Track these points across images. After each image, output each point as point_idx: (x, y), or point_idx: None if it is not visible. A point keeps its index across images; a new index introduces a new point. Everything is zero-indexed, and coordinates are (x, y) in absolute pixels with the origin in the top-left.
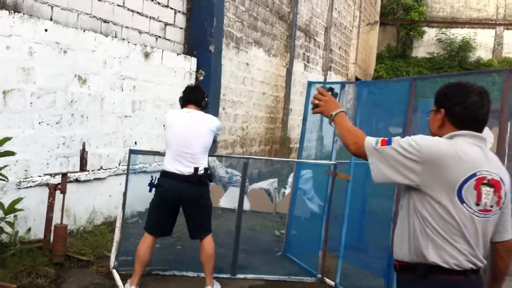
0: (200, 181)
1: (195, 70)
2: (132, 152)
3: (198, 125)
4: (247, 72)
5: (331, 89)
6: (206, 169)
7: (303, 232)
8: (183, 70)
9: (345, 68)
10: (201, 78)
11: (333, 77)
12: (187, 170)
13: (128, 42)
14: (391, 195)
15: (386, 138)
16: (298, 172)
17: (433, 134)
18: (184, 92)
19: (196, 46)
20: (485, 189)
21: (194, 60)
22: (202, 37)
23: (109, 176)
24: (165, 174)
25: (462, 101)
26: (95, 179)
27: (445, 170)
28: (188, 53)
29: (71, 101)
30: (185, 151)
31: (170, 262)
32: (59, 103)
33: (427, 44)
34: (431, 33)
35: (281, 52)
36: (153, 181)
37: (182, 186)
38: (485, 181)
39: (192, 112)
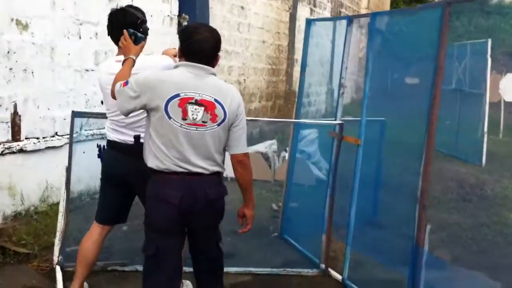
0: None
1: (176, 14)
2: (76, 115)
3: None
4: (243, 17)
5: (134, 34)
6: None
7: (304, 207)
8: (162, 14)
9: (357, 14)
10: (185, 23)
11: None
12: (128, 139)
13: None
14: (416, 168)
15: (126, 81)
16: (296, 132)
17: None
18: (109, 20)
19: None
20: (192, 107)
21: (175, 2)
22: None
23: (67, 143)
24: (108, 143)
25: (188, 38)
26: (48, 148)
27: (155, 93)
28: None
29: (8, 52)
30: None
31: (132, 254)
32: None
33: None
34: None
35: None
36: (102, 151)
37: (126, 159)
38: (192, 101)
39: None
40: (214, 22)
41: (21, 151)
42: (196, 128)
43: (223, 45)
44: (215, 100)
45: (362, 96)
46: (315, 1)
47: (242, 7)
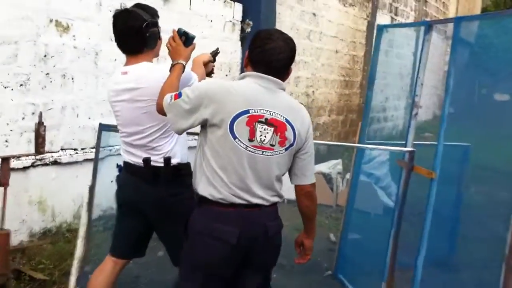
0: (161, 177)
1: (240, 19)
2: (103, 128)
3: (141, 91)
4: (314, 24)
5: (185, 34)
6: (167, 160)
7: (365, 240)
8: (223, 19)
9: (443, 24)
10: (248, 30)
11: None
12: (138, 161)
13: None
14: (505, 217)
15: (178, 92)
16: (360, 152)
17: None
18: (113, 24)
19: None
20: (261, 127)
21: (238, 7)
22: None
23: (109, 155)
24: (123, 165)
25: (260, 46)
26: (87, 160)
27: (220, 106)
28: None
29: (45, 56)
30: (130, 135)
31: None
32: (25, 57)
33: None
34: None
35: (360, 0)
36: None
37: (138, 183)
38: (262, 120)
39: (130, 73)
40: (281, 29)
41: (55, 163)
42: (263, 152)
43: None
44: (286, 120)
45: (440, 117)
46: (397, 10)
47: (314, 14)
